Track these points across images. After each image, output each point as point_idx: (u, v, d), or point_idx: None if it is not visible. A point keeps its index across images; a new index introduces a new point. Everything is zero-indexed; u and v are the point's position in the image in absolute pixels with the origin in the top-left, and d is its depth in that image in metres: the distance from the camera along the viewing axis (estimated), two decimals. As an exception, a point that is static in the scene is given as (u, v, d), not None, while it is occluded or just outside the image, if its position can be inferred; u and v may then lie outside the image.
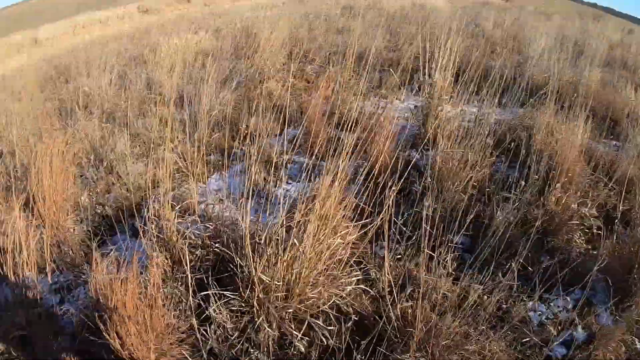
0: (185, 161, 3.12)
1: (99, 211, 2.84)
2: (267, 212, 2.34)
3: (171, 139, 3.46)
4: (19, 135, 4.42)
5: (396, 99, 4.50)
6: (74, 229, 2.70)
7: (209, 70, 5.19)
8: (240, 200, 2.60)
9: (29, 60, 12.45)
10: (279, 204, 2.11)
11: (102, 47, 9.49)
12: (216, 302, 2.05)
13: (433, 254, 2.14)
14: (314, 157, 3.30)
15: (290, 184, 3.08)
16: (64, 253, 2.57)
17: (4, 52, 18.26)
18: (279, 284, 2.01)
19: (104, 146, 3.62)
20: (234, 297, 2.11)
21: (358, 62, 4.73)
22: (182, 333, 2.08)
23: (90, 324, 2.09)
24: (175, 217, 2.28)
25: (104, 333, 1.80)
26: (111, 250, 2.41)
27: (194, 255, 2.23)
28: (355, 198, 2.22)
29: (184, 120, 3.77)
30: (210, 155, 3.34)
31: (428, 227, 2.07)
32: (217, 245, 2.29)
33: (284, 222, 2.12)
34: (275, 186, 3.00)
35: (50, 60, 9.99)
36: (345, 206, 2.24)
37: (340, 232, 2.20)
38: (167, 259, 2.18)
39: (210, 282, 2.12)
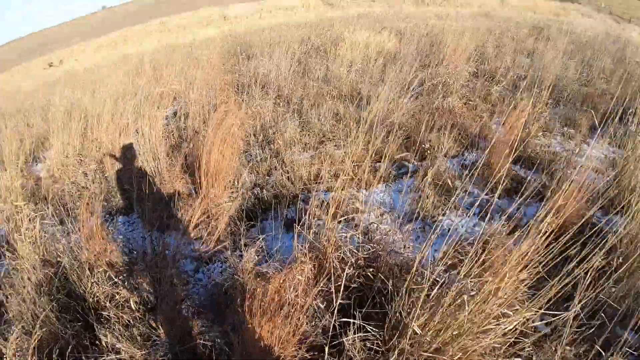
0: (353, 163, 3.16)
1: (255, 192, 3.05)
2: (431, 244, 2.20)
3: (342, 137, 3.57)
4: (195, 100, 5.13)
5: (584, 142, 4.03)
6: (226, 204, 2.94)
7: (390, 74, 5.33)
8: (407, 227, 2.52)
9: (217, 34, 14.61)
10: (445, 236, 1.97)
11: (286, 32, 10.55)
12: (354, 333, 1.98)
13: (602, 352, 1.88)
14: (490, 191, 3.08)
15: (460, 216, 2.89)
16: (212, 225, 2.81)
17: (195, 22, 21.91)
18: (430, 341, 1.85)
19: (273, 127, 3.94)
20: (375, 335, 2.01)
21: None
22: (306, 350, 2.06)
23: (219, 302, 2.26)
24: (335, 229, 2.27)
25: (241, 321, 1.88)
26: (258, 237, 2.54)
27: (344, 273, 2.19)
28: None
29: (358, 120, 3.88)
30: (379, 162, 3.35)
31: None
32: (371, 270, 2.21)
33: (449, 263, 1.97)
34: (443, 214, 2.85)
35: (235, 37, 11.50)
36: (525, 266, 1.98)
37: (518, 307, 1.95)
38: (313, 267, 2.18)
39: (353, 308, 2.05)
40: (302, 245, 2.15)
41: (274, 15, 19.87)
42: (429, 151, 3.39)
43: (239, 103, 4.76)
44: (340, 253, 2.18)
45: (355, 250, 2.23)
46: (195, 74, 6.66)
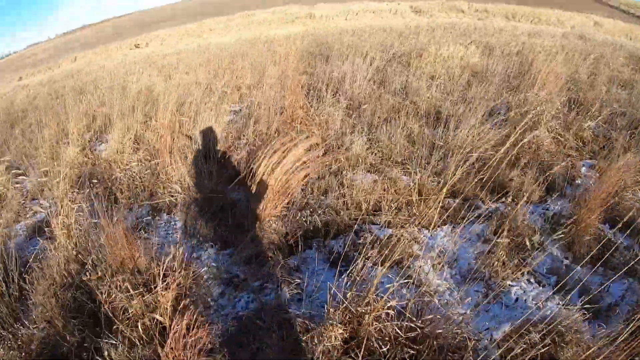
0: (421, 196, 2.80)
1: (305, 214, 2.77)
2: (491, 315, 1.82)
3: (412, 163, 3.22)
4: (263, 100, 4.99)
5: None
6: (273, 224, 2.69)
7: (474, 94, 4.87)
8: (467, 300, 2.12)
9: (300, 31, 14.66)
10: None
11: (369, 36, 10.29)
12: None
13: None
14: (571, 254, 2.55)
15: (532, 283, 2.38)
16: (251, 247, 2.57)
17: (281, 18, 22.23)
18: None
19: (339, 139, 3.69)
20: None
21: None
22: None
23: (237, 340, 2.01)
24: (381, 307, 1.85)
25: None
26: (296, 273, 2.27)
27: (379, 352, 1.83)
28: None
29: (433, 145, 3.51)
30: (448, 197, 2.94)
31: None
32: (413, 351, 1.83)
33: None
34: (512, 281, 2.37)
35: (318, 36, 11.42)
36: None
37: None
38: (344, 331, 1.84)
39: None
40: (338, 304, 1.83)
41: (360, 18, 19.73)
42: (508, 192, 2.94)
43: (307, 107, 4.55)
44: (380, 324, 1.82)
45: (397, 329, 1.85)
46: (268, 70, 6.58)
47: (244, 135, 4.22)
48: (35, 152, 5.12)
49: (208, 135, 3.96)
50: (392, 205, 2.77)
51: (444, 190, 2.24)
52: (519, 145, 2.31)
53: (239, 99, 5.77)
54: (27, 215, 3.86)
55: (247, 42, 12.45)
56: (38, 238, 3.18)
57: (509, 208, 2.73)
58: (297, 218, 2.71)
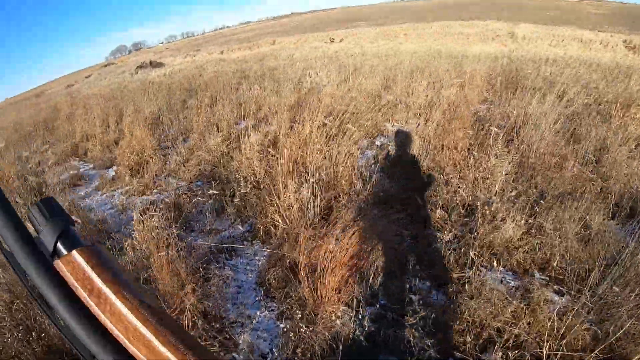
0: (560, 345, 1.78)
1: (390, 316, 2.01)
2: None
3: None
4: (422, 126, 4.23)
5: None
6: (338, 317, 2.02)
7: None
8: None
9: (498, 50, 13.10)
10: None
11: (570, 70, 8.51)
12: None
13: None
14: None
15: None
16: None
17: (479, 33, 20.37)
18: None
19: (488, 207, 2.82)
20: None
21: None
22: None
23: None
24: None
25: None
26: None
27: None
28: None
29: (616, 255, 2.37)
30: None
31: None
32: None
33: None
34: None
35: (512, 60, 9.95)
36: None
37: None
38: None
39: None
40: None
41: (565, 45, 17.04)
42: None
43: (466, 153, 3.70)
44: None
45: None
46: (445, 93, 5.74)
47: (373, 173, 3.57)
48: (191, 129, 5.25)
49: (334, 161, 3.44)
50: (511, 351, 1.76)
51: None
52: None
53: (404, 119, 5.12)
54: (148, 192, 3.96)
55: (437, 54, 11.56)
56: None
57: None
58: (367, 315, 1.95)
